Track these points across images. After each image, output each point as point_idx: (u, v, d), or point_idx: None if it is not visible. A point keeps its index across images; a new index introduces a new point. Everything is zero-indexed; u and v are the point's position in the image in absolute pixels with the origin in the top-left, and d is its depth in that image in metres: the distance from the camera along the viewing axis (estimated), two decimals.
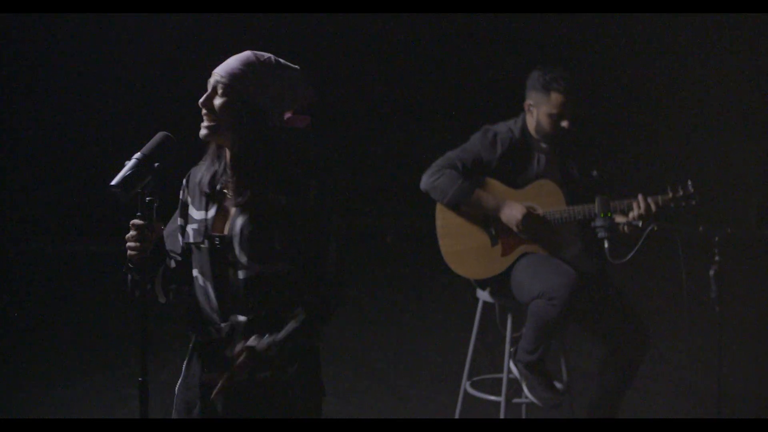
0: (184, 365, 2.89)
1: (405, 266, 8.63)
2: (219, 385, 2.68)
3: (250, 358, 2.65)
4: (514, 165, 4.55)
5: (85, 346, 6.35)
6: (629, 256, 4.22)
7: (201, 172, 2.83)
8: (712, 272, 3.93)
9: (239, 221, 2.74)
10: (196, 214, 2.83)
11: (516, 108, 4.64)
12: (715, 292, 3.92)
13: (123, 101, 8.80)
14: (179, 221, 2.88)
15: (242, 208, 2.74)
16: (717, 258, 3.92)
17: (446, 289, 5.79)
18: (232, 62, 2.75)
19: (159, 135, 2.71)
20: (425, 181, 4.55)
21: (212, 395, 2.70)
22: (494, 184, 4.55)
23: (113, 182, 2.59)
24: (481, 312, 4.77)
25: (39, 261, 8.53)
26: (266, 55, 2.79)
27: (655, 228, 4.13)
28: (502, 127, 4.60)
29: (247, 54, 2.77)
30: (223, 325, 2.76)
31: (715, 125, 8.90)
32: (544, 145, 4.57)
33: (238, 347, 2.67)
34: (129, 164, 2.62)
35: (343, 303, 2.80)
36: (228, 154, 2.79)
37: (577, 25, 8.86)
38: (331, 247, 2.75)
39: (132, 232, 2.65)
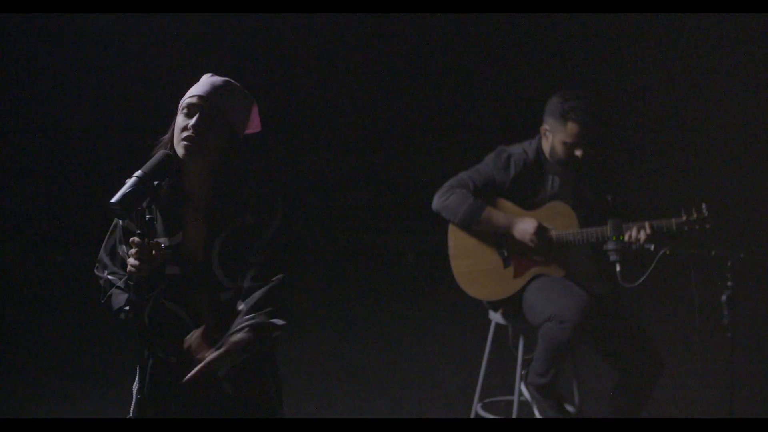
0: (136, 388, 2.89)
1: (425, 285, 8.60)
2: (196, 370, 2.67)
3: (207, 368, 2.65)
4: (527, 186, 4.53)
5: (84, 359, 6.37)
6: (641, 280, 4.18)
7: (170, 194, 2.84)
8: (724, 297, 3.88)
9: (217, 244, 2.78)
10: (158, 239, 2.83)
11: (535, 128, 4.62)
12: (728, 317, 3.87)
13: (119, 111, 8.87)
14: (124, 248, 2.88)
15: (217, 232, 2.78)
16: (730, 283, 3.87)
17: (465, 308, 5.78)
18: (218, 88, 2.81)
19: (159, 153, 2.73)
20: (436, 201, 4.54)
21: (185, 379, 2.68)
22: (506, 204, 4.53)
23: (113, 200, 2.61)
24: (494, 333, 4.75)
25: (38, 270, 8.60)
26: (233, 81, 2.87)
27: (668, 252, 4.10)
28: (516, 149, 4.58)
29: (222, 79, 2.85)
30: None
31: (729, 148, 8.85)
32: (558, 168, 4.55)
33: (192, 342, 2.70)
34: (129, 182, 2.64)
35: (288, 318, 2.80)
36: (193, 176, 2.81)
37: (594, 46, 8.85)
38: (284, 267, 2.80)
39: (132, 250, 2.66)
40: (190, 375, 2.65)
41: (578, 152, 4.45)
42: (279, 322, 2.72)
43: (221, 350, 2.64)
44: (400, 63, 9.72)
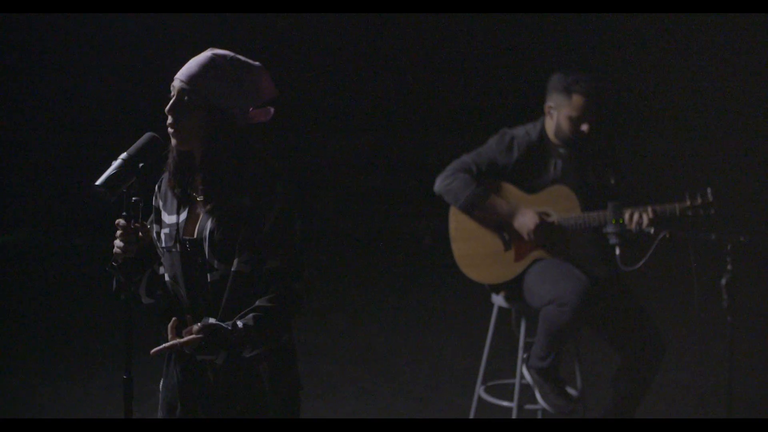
0: (164, 365, 2.92)
1: (440, 268, 8.61)
2: (162, 347, 2.67)
3: (207, 335, 2.64)
4: (530, 169, 4.51)
5: (75, 344, 6.43)
6: (640, 264, 4.17)
7: (168, 177, 2.84)
8: (723, 281, 3.87)
9: (208, 224, 2.74)
10: (167, 218, 2.84)
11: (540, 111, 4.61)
12: (727, 301, 3.86)
13: (114, 98, 8.91)
14: (155, 227, 2.89)
15: (211, 212, 2.74)
16: (729, 267, 3.86)
17: (477, 290, 5.82)
18: (194, 66, 2.73)
19: (146, 135, 2.73)
20: (439, 185, 4.54)
21: (151, 351, 2.67)
22: (509, 188, 4.52)
23: (98, 182, 2.63)
24: (497, 316, 4.75)
25: (27, 255, 8.66)
26: (227, 53, 2.78)
27: (667, 235, 4.08)
28: (519, 131, 4.56)
29: (207, 55, 2.76)
30: (195, 327, 2.78)
31: (730, 132, 8.80)
32: (562, 150, 4.52)
33: (199, 325, 2.66)
34: (114, 164, 2.66)
35: (308, 298, 2.76)
36: (196, 156, 2.78)
37: (596, 30, 8.82)
38: (296, 246, 2.75)
39: (117, 232, 2.68)
40: (161, 347, 2.66)
41: (584, 127, 4.42)
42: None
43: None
44: (415, 52, 9.76)
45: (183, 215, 2.80)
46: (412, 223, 9.88)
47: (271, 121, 2.85)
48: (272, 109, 2.84)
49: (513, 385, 4.68)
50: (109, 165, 2.66)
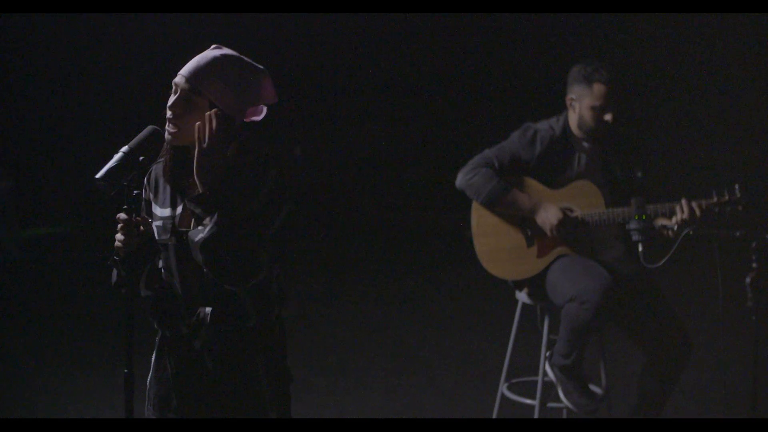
0: (153, 359, 2.92)
1: (470, 263, 8.58)
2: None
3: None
4: (553, 164, 4.45)
5: (76, 338, 6.49)
6: (663, 261, 4.09)
7: (164, 169, 2.82)
8: (748, 280, 3.78)
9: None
10: (160, 211, 2.83)
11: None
12: (752, 300, 3.77)
13: (117, 94, 8.99)
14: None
15: None
16: (754, 265, 3.76)
17: (508, 286, 5.81)
18: (198, 63, 2.71)
19: (147, 129, 2.73)
20: (460, 179, 4.49)
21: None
22: (531, 183, 4.46)
23: (98, 175, 2.62)
24: (522, 313, 4.69)
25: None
26: (232, 53, 2.77)
27: (691, 232, 4.00)
28: (543, 125, 4.51)
29: (212, 53, 2.74)
30: (191, 318, 2.78)
31: (756, 127, 8.64)
32: (586, 144, 4.46)
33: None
34: (115, 157, 2.65)
35: (258, 269, 2.66)
36: (192, 150, 2.75)
37: (621, 24, 8.73)
38: (274, 228, 2.70)
39: (118, 225, 2.68)
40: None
41: (608, 116, 4.35)
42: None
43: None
44: (440, 48, 9.77)
45: (179, 208, 2.79)
46: (440, 217, 9.89)
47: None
48: (265, 108, 2.83)
49: (534, 382, 4.63)
50: (110, 158, 2.66)
